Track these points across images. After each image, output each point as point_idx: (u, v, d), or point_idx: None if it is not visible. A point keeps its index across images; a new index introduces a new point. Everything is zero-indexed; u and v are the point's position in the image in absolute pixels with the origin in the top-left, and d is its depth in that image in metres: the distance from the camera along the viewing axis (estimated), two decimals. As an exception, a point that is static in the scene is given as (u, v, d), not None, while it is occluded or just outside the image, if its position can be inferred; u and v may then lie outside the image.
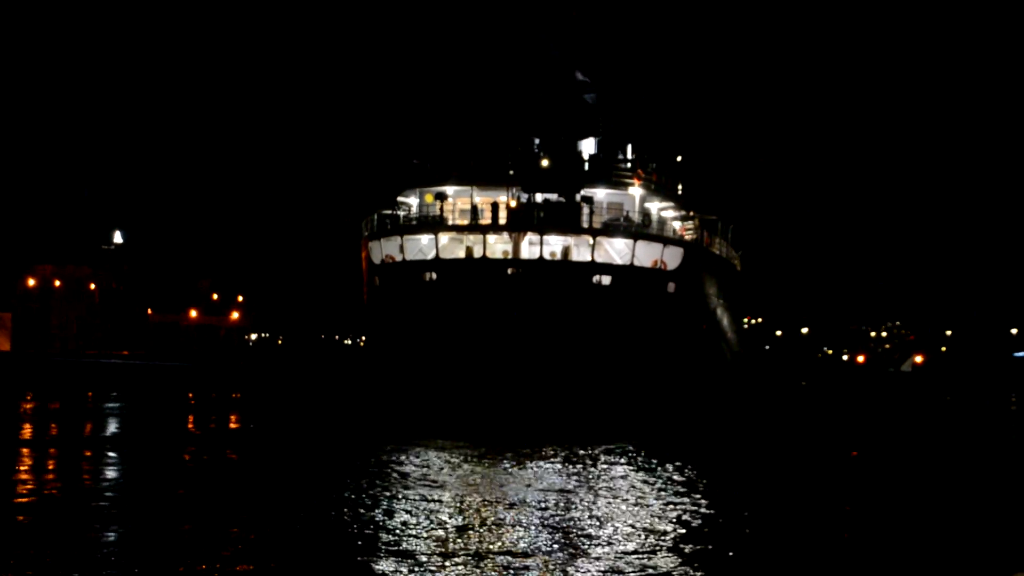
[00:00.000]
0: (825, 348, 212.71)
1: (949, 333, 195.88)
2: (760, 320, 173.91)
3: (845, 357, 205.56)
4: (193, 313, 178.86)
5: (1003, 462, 42.58)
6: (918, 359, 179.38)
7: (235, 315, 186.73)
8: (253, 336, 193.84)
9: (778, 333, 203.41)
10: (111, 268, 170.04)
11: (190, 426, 50.22)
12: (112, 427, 49.06)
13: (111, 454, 38.10)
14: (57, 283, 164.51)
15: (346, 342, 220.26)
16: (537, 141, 63.86)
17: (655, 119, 72.92)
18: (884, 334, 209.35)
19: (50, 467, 34.73)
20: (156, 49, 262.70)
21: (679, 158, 69.09)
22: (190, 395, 72.80)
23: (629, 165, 61.46)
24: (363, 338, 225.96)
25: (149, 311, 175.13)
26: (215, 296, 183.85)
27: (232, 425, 51.54)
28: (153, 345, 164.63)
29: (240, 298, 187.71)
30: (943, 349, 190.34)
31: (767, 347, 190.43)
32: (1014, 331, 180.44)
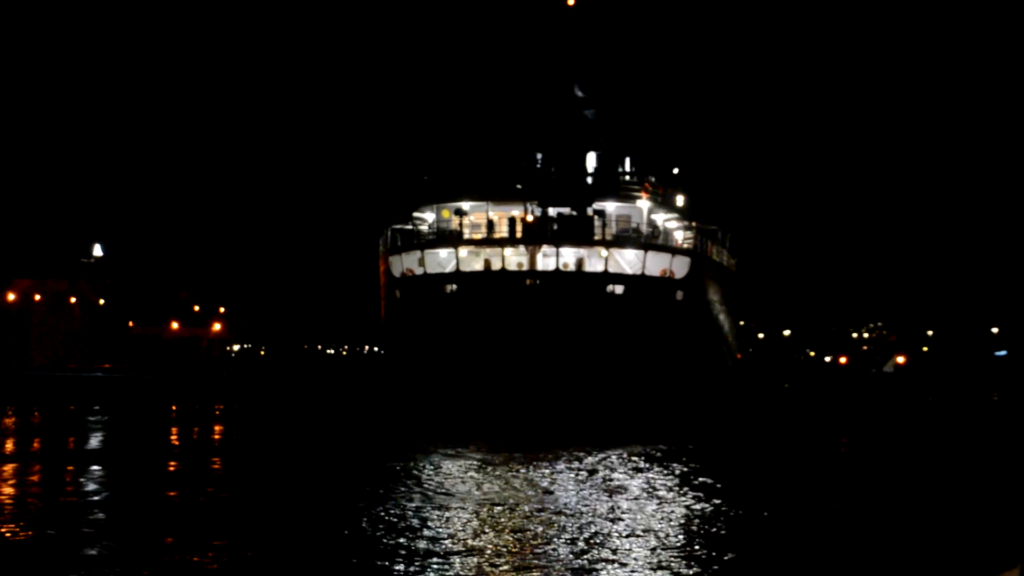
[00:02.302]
0: (807, 350, 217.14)
1: (931, 333, 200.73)
2: (742, 323, 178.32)
3: (828, 359, 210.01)
4: (174, 325, 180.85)
5: (986, 458, 44.57)
6: (900, 359, 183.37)
7: (217, 326, 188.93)
8: (235, 347, 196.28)
9: (760, 336, 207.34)
10: (91, 281, 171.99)
11: (174, 439, 51.06)
12: (95, 441, 49.38)
13: (95, 468, 37.98)
14: (37, 297, 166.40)
15: (329, 352, 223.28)
16: (540, 156, 67.69)
17: (652, 133, 76.76)
18: (866, 335, 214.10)
19: (33, 481, 34.44)
20: (139, 59, 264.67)
21: (676, 170, 73.22)
22: (173, 407, 73.31)
23: (635, 179, 65.53)
24: (370, 347, 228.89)
25: (130, 324, 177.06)
26: (196, 308, 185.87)
27: (216, 436, 52.73)
28: (135, 358, 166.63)
29: (221, 309, 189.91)
30: (925, 349, 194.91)
31: (750, 350, 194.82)
32: (995, 330, 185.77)
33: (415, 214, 66.28)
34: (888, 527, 27.00)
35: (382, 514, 27.97)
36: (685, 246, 64.60)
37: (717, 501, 30.58)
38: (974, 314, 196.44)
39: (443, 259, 61.79)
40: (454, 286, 59.05)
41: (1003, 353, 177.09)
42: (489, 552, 23.26)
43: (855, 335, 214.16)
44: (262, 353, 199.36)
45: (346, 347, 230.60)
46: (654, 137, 77.78)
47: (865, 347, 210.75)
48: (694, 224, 68.49)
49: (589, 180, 65.15)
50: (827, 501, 31.78)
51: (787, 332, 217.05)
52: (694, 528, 26.41)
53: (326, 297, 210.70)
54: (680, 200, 69.93)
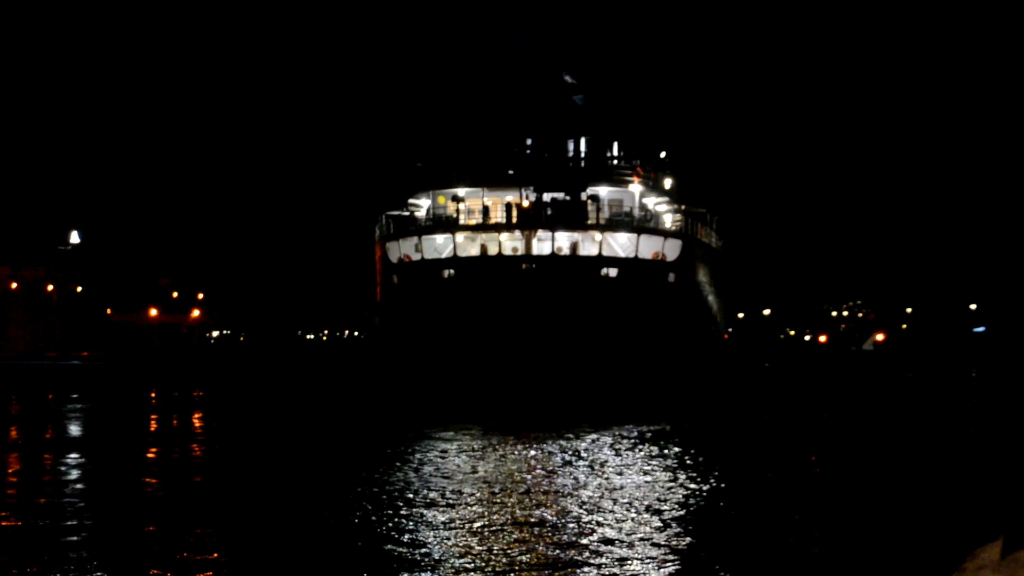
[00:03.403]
0: (787, 329, 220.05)
1: (909, 311, 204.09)
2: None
3: (807, 337, 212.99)
4: (153, 312, 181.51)
5: (965, 435, 45.68)
6: (879, 337, 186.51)
7: (196, 312, 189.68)
8: (215, 333, 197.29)
9: (740, 315, 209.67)
10: (68, 268, 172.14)
11: (153, 427, 51.05)
12: (74, 430, 49.66)
13: (73, 457, 37.97)
14: (13, 285, 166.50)
15: (308, 337, 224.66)
16: (530, 141, 69.62)
17: (639, 117, 78.80)
18: (845, 313, 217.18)
19: (11, 471, 34.35)
20: (111, 33, 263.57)
21: (663, 154, 75.35)
22: (152, 395, 73.48)
23: (625, 163, 67.67)
24: (351, 332, 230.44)
25: (108, 311, 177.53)
26: (175, 294, 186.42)
27: (196, 424, 52.70)
28: (113, 345, 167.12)
29: (200, 295, 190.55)
30: (904, 327, 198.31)
31: (729, 329, 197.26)
32: (973, 307, 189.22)
33: (410, 200, 68.11)
34: (870, 506, 27.80)
35: (377, 499, 28.27)
36: (676, 229, 66.74)
37: (712, 481, 31.73)
38: (952, 291, 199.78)
39: (440, 245, 63.69)
40: (451, 271, 60.94)
41: (981, 329, 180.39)
42: (488, 536, 23.58)
43: (834, 313, 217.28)
44: (242, 339, 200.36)
45: (326, 332, 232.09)
46: (641, 121, 79.86)
47: (844, 325, 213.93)
48: (683, 207, 70.66)
49: (581, 165, 67.21)
50: (810, 480, 33.15)
51: (767, 311, 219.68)
52: (691, 507, 27.35)
53: (305, 283, 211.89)
54: (668, 183, 72.10)
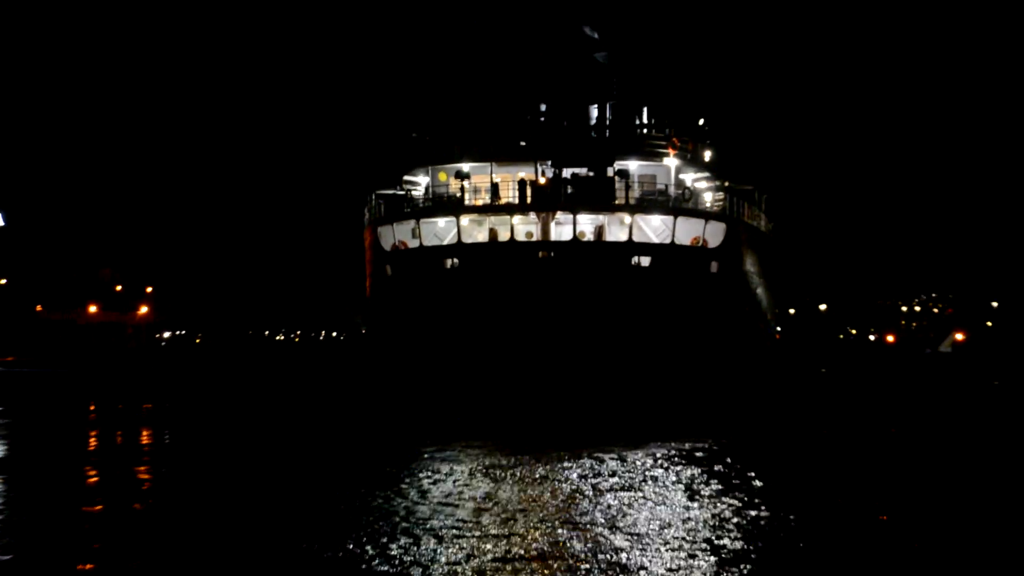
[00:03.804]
0: (848, 327, 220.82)
1: (995, 305, 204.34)
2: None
3: (872, 337, 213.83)
4: (92, 308, 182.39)
5: None
6: (959, 337, 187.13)
7: (143, 309, 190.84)
8: (166, 334, 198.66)
9: (791, 311, 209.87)
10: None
11: (92, 444, 51.11)
12: None
13: None
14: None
15: (278, 338, 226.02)
16: (544, 107, 70.43)
17: (672, 78, 79.33)
18: (917, 309, 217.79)
19: None
20: (45, 6, 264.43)
21: (701, 121, 75.94)
22: (91, 407, 73.70)
23: (657, 132, 68.55)
24: (328, 332, 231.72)
25: (38, 308, 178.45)
26: (118, 288, 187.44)
27: (145, 441, 52.67)
28: (45, 348, 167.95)
29: (149, 289, 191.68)
30: (988, 324, 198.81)
31: (778, 328, 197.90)
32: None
33: (406, 178, 69.22)
34: (955, 545, 27.98)
35: (376, 531, 28.74)
36: (719, 210, 67.62)
37: (771, 509, 31.86)
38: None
39: (441, 229, 64.77)
40: (455, 260, 61.98)
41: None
42: (502, 573, 24.10)
43: (904, 309, 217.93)
44: (199, 341, 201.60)
45: (298, 333, 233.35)
46: (675, 82, 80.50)
47: (916, 323, 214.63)
48: (726, 183, 71.45)
49: (606, 135, 68.01)
50: (884, 508, 33.31)
51: (823, 306, 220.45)
52: (751, 543, 27.43)
53: (274, 276, 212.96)
54: (708, 155, 72.76)
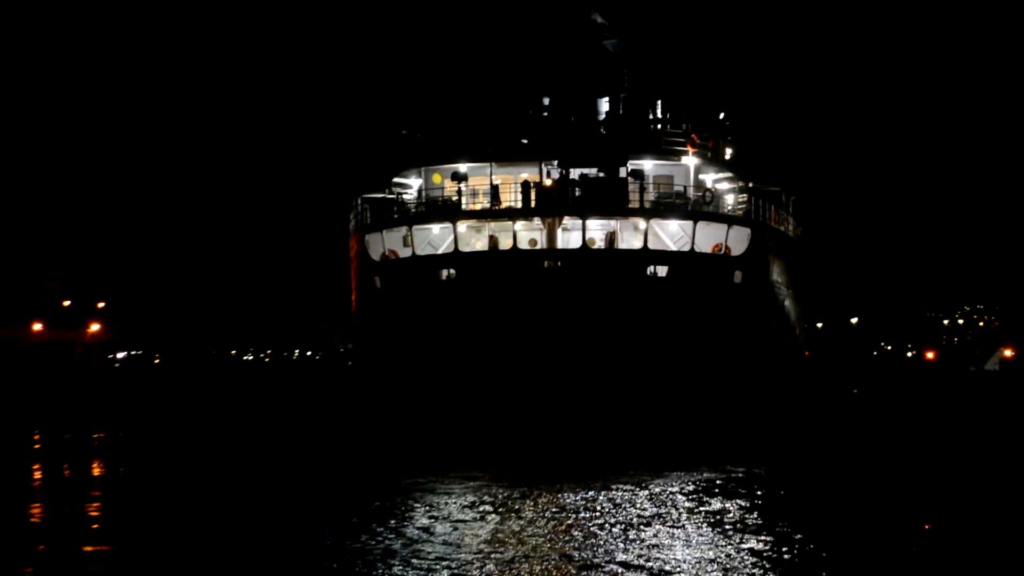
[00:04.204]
0: (882, 343, 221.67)
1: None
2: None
3: (910, 354, 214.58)
4: (37, 326, 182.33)
5: None
6: (1007, 353, 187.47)
7: (94, 327, 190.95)
8: (120, 354, 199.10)
9: (819, 325, 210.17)
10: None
11: (37, 479, 51.81)
12: None
13: None
14: None
15: (246, 358, 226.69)
16: (547, 101, 71.29)
17: (690, 68, 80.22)
18: (960, 322, 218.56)
19: None
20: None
21: (722, 116, 76.81)
22: (35, 436, 74.67)
23: (674, 128, 69.49)
24: (303, 351, 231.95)
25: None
26: (66, 303, 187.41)
27: (96, 473, 53.41)
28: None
29: (101, 305, 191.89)
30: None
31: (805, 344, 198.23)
32: None
33: (396, 179, 70.09)
34: None
35: (368, 573, 29.13)
36: (743, 214, 68.52)
37: (813, 551, 32.31)
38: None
39: (436, 237, 65.75)
40: (452, 271, 62.71)
41: None
42: None
43: (946, 322, 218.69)
44: (157, 361, 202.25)
45: (269, 352, 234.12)
46: (691, 73, 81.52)
47: (958, 338, 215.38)
48: (751, 184, 72.26)
49: (618, 131, 68.63)
50: (930, 548, 34.04)
51: (854, 320, 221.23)
52: None
53: (243, 290, 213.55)
54: (729, 154, 73.48)
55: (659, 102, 74.65)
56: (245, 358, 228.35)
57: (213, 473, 53.41)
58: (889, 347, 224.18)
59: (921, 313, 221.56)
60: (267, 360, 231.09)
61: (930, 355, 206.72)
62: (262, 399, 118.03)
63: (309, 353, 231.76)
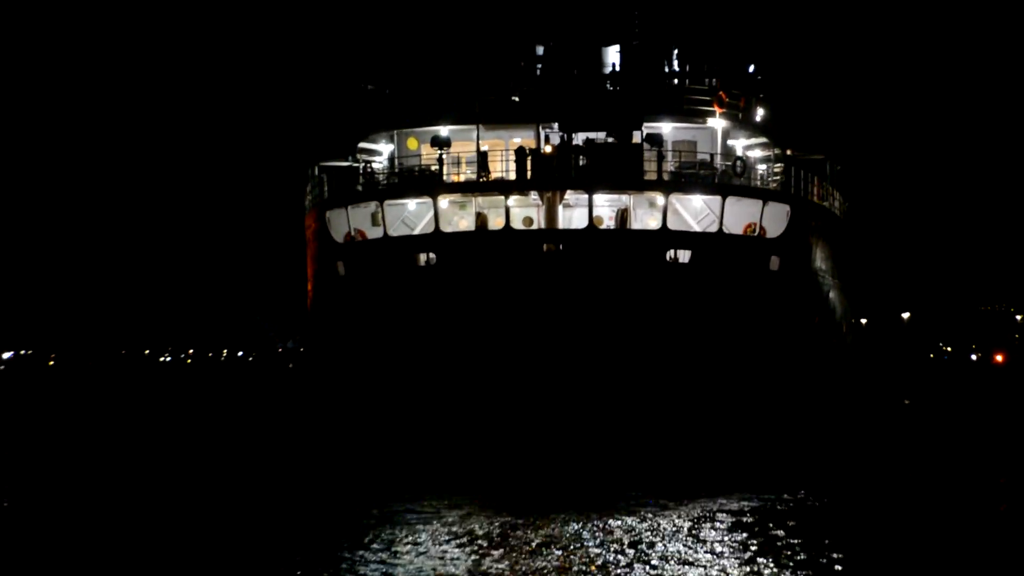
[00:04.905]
0: (941, 343, 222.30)
1: None
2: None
3: (974, 356, 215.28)
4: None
5: None
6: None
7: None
8: (6, 355, 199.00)
9: (863, 321, 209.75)
10: None
11: None
12: None
13: None
14: None
15: (163, 359, 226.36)
16: (541, 51, 71.33)
17: (713, 11, 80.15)
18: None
19: None
20: None
21: (752, 69, 77.19)
22: None
23: (700, 85, 70.00)
24: (234, 351, 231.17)
25: None
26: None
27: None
28: None
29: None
30: None
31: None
32: None
33: (362, 145, 70.37)
34: None
35: None
36: (779, 187, 69.24)
37: None
38: None
39: (412, 214, 66.53)
40: (431, 255, 63.43)
41: None
42: None
43: (1018, 318, 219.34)
44: (52, 363, 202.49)
45: (191, 352, 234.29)
46: (714, 17, 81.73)
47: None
48: (789, 152, 72.78)
49: (629, 87, 69.07)
50: None
51: (906, 315, 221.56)
52: None
53: (159, 280, 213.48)
54: (760, 114, 73.80)
55: (675, 52, 74.60)
56: (162, 359, 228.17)
57: (128, 497, 53.91)
58: (948, 348, 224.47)
59: (988, 307, 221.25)
60: (189, 361, 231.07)
61: (999, 358, 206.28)
62: (185, 406, 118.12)
63: (240, 353, 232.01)
